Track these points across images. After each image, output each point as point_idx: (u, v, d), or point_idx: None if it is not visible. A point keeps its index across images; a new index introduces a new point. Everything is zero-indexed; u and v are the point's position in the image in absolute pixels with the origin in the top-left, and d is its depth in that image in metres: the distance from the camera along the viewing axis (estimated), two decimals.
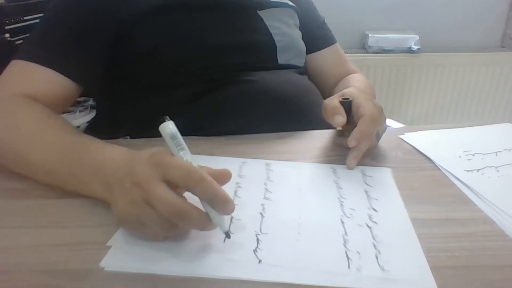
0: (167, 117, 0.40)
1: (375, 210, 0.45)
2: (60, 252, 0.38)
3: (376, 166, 0.55)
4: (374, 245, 0.39)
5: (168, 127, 0.39)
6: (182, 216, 0.36)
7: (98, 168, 0.45)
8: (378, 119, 0.56)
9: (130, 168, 0.40)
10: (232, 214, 0.41)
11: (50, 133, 0.52)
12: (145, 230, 0.39)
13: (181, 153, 0.39)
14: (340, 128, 0.61)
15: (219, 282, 0.35)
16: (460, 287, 0.35)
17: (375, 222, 0.43)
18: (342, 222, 0.43)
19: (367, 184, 0.50)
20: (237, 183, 0.51)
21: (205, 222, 0.37)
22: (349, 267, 0.36)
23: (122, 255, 0.38)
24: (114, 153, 0.46)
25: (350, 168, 0.54)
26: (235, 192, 0.49)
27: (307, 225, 0.42)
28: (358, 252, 0.38)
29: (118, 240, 0.40)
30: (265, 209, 0.45)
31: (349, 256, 0.37)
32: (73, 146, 0.50)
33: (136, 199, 0.37)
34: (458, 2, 1.83)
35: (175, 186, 0.37)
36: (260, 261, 0.37)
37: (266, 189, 0.49)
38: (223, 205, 0.37)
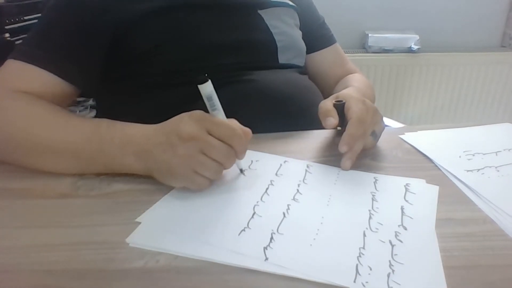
0: (206, 76, 0.46)
1: (405, 228, 0.42)
2: (60, 252, 0.38)
3: (418, 179, 0.52)
4: (390, 264, 0.37)
5: (206, 88, 0.46)
6: (231, 160, 0.47)
7: (129, 141, 0.49)
8: (368, 120, 0.56)
9: (172, 129, 0.46)
10: (255, 210, 0.45)
11: (71, 118, 0.54)
12: (197, 180, 0.46)
13: (214, 112, 0.47)
14: (339, 128, 0.62)
15: (227, 268, 0.37)
16: (460, 287, 0.35)
17: (400, 241, 0.40)
18: (364, 235, 0.41)
19: (406, 201, 0.47)
20: (271, 180, 0.51)
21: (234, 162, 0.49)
22: (354, 281, 0.35)
23: (147, 234, 0.41)
24: (142, 127, 0.51)
25: (345, 169, 0.54)
26: (266, 189, 0.49)
27: (326, 232, 0.41)
28: (369, 268, 0.36)
29: (147, 218, 0.43)
30: (289, 210, 0.45)
31: (359, 270, 0.36)
32: (99, 125, 0.52)
33: (191, 151, 0.45)
34: (458, 2, 1.83)
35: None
36: (266, 259, 0.37)
37: (297, 190, 0.49)
38: (244, 155, 0.49)
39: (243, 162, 0.53)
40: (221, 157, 0.46)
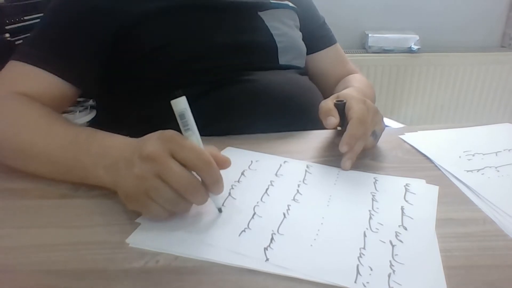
0: (180, 91, 0.40)
1: (405, 228, 0.42)
2: (60, 252, 0.38)
3: (419, 179, 0.52)
4: (391, 264, 0.37)
5: (179, 105, 0.40)
6: (194, 191, 0.40)
7: (104, 152, 0.46)
8: (369, 121, 0.56)
9: (138, 146, 0.42)
10: (255, 210, 0.44)
11: (54, 125, 0.53)
12: (151, 207, 0.40)
13: (187, 133, 0.41)
14: (339, 128, 0.62)
15: (227, 268, 0.36)
16: (460, 287, 0.35)
17: (401, 241, 0.40)
18: (365, 236, 0.41)
19: (406, 201, 0.47)
20: (271, 181, 0.51)
21: (206, 199, 0.41)
22: (355, 281, 0.35)
23: (147, 234, 0.41)
24: (121, 138, 0.48)
25: (345, 170, 0.54)
26: (266, 190, 0.49)
27: (326, 232, 0.41)
28: (370, 268, 0.36)
29: (147, 218, 0.43)
30: (290, 210, 0.45)
31: (360, 270, 0.36)
32: (79, 134, 0.51)
33: (146, 173, 0.39)
34: (458, 2, 1.83)
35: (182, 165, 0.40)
36: (267, 259, 0.37)
37: (297, 190, 0.49)
38: (219, 189, 0.41)
39: (221, 197, 0.45)
40: (179, 185, 0.39)
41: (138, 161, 0.40)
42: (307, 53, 0.84)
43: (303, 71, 0.82)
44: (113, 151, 0.46)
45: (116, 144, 0.47)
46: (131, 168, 0.41)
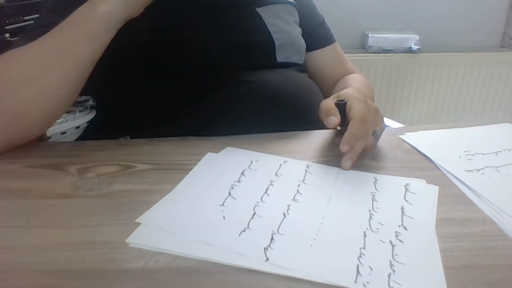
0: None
1: (405, 228, 0.42)
2: (60, 252, 0.38)
3: (419, 179, 0.52)
4: (391, 264, 0.37)
5: None
6: None
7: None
8: (370, 120, 0.56)
9: None
10: (255, 210, 0.44)
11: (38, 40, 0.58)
12: None
13: None
14: (339, 128, 0.62)
15: (227, 268, 0.36)
16: (460, 287, 0.35)
17: (401, 241, 0.40)
18: (365, 236, 0.41)
19: (406, 201, 0.47)
20: (271, 181, 0.51)
21: None
22: (355, 281, 0.35)
23: (147, 234, 0.41)
24: None
25: (345, 169, 0.54)
26: (266, 189, 0.49)
27: (326, 232, 0.41)
28: (370, 268, 0.36)
29: (147, 218, 0.43)
30: (290, 210, 0.45)
31: (360, 270, 0.36)
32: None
33: None
34: (458, 2, 1.83)
35: None
36: (267, 259, 0.37)
37: (297, 190, 0.49)
38: None
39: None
40: None
41: None
42: (306, 51, 0.84)
43: (303, 68, 0.82)
44: None
45: None
46: None
